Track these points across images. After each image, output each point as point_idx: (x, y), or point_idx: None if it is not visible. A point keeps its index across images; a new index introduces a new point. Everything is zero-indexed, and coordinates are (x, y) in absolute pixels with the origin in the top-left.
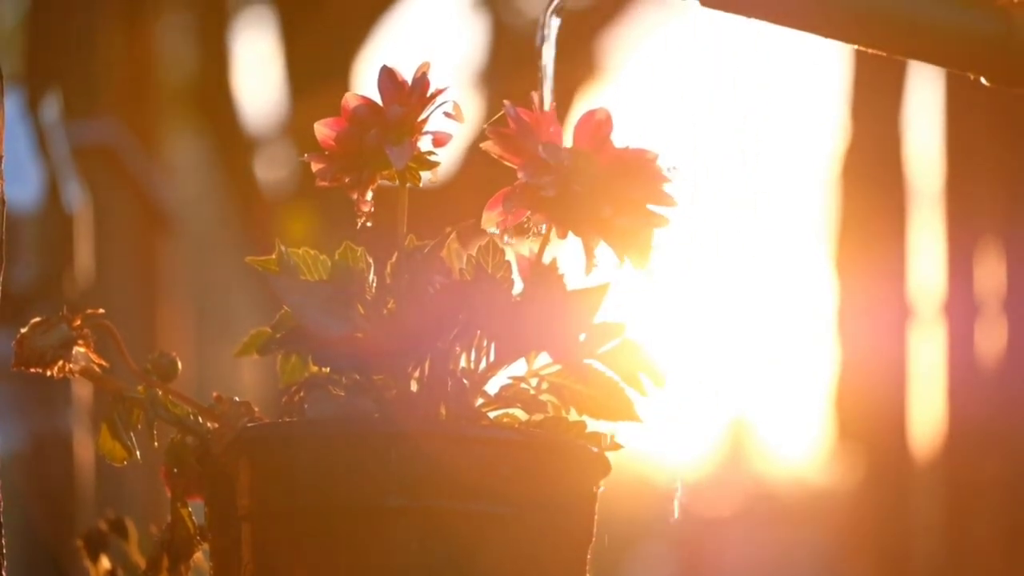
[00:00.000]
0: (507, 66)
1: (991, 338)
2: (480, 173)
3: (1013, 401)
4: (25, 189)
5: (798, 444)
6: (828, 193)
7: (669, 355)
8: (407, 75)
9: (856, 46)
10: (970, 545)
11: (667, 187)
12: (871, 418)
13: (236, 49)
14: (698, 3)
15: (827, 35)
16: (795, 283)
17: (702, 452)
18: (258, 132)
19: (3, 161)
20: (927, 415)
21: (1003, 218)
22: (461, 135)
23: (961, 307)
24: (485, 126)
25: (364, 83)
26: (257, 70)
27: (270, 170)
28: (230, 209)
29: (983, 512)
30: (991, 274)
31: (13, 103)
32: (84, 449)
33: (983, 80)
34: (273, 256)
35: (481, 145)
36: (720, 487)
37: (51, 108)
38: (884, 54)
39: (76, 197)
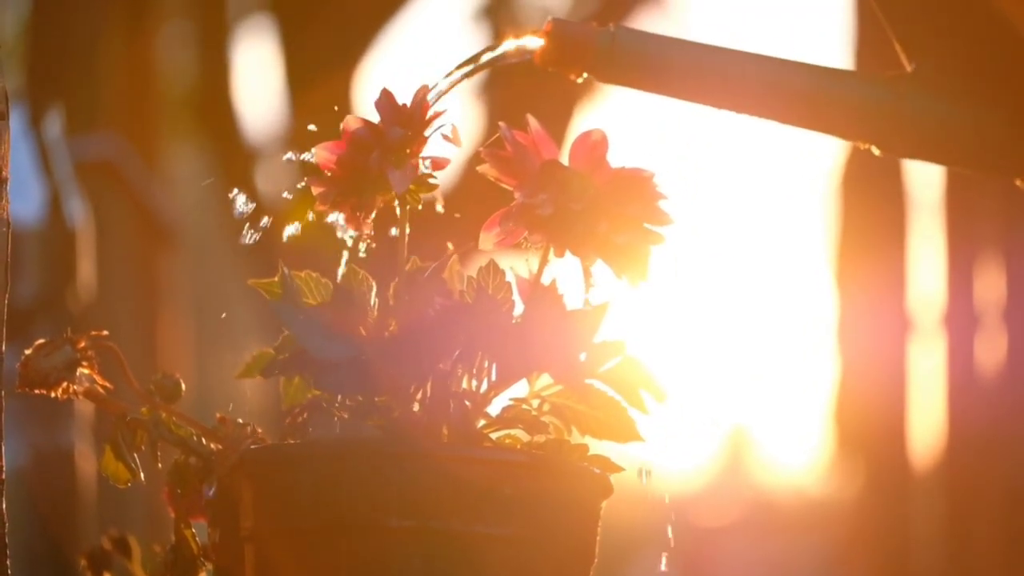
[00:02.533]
0: (506, 76)
1: (991, 349)
2: (481, 182)
3: (1013, 412)
4: (27, 205)
5: (798, 454)
6: (828, 204)
7: (668, 368)
8: (406, 94)
9: (754, 118)
10: (970, 555)
11: (663, 205)
12: (871, 428)
13: (237, 60)
14: (596, 79)
15: (726, 108)
16: (795, 294)
17: (702, 462)
18: (259, 143)
19: (8, 184)
20: (927, 425)
21: (1003, 229)
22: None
23: (961, 318)
24: (481, 149)
25: (364, 93)
26: (258, 81)
27: (271, 181)
28: (231, 221)
29: (983, 522)
30: (991, 285)
31: (15, 119)
32: (86, 463)
33: (874, 150)
34: (275, 278)
35: (478, 168)
36: (720, 497)
37: (53, 124)
38: (780, 125)
39: (78, 212)
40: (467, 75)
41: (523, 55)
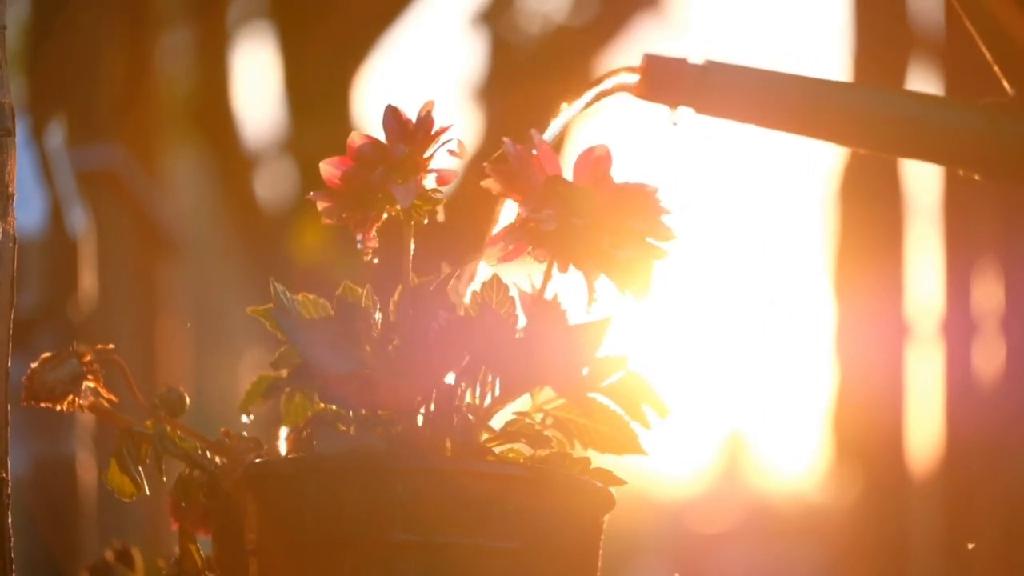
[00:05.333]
0: (505, 81)
1: (989, 356)
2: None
3: (1010, 418)
4: (29, 215)
5: (796, 460)
6: (826, 210)
7: (669, 379)
8: (406, 98)
9: (851, 148)
10: (967, 561)
11: (666, 219)
12: (869, 435)
13: (237, 68)
14: (693, 111)
15: (822, 138)
16: (793, 300)
17: (700, 468)
18: (260, 151)
19: (14, 200)
20: (925, 432)
21: (1001, 235)
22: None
23: (959, 324)
24: (486, 164)
25: (364, 98)
26: (258, 88)
27: (272, 189)
28: (233, 230)
29: (980, 529)
30: (989, 292)
31: (18, 130)
32: (87, 474)
33: (975, 176)
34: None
35: (482, 183)
36: (718, 502)
37: (54, 135)
38: (879, 154)
39: (79, 222)
40: (573, 116)
41: (621, 90)
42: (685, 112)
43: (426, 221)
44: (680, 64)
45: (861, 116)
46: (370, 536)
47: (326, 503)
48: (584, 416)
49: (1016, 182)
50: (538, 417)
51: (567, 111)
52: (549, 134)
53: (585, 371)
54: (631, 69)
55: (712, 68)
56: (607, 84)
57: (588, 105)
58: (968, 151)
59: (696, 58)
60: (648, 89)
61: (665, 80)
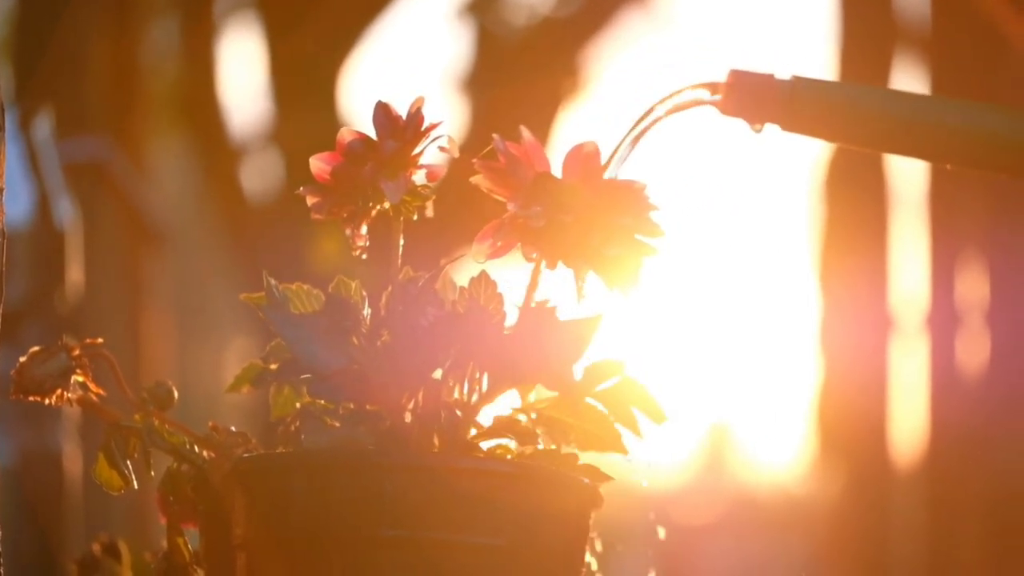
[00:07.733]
0: (491, 74)
1: (973, 349)
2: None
3: (995, 412)
4: (16, 206)
5: (780, 453)
6: (811, 202)
7: (662, 379)
8: (393, 91)
9: (945, 165)
10: (951, 555)
11: (655, 216)
12: (853, 427)
13: (224, 60)
14: (779, 128)
15: (913, 155)
16: (778, 292)
17: (683, 460)
18: (247, 142)
19: (3, 194)
20: (909, 425)
21: (986, 227)
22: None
23: (943, 317)
24: (475, 160)
25: (351, 91)
26: (245, 80)
27: (258, 181)
28: (219, 221)
29: (964, 522)
30: (973, 285)
31: (5, 123)
32: (73, 465)
33: None
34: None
35: (471, 179)
36: (701, 495)
37: (41, 126)
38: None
39: (66, 214)
40: (645, 130)
41: (704, 105)
42: (771, 129)
43: (415, 217)
44: (767, 80)
45: (956, 134)
46: (357, 531)
47: (313, 498)
48: (572, 416)
49: None
50: (526, 417)
51: (645, 124)
52: (619, 158)
53: (579, 375)
54: (715, 84)
55: (799, 84)
56: (689, 97)
57: (670, 112)
58: None
59: (782, 73)
60: (734, 105)
61: (752, 96)
